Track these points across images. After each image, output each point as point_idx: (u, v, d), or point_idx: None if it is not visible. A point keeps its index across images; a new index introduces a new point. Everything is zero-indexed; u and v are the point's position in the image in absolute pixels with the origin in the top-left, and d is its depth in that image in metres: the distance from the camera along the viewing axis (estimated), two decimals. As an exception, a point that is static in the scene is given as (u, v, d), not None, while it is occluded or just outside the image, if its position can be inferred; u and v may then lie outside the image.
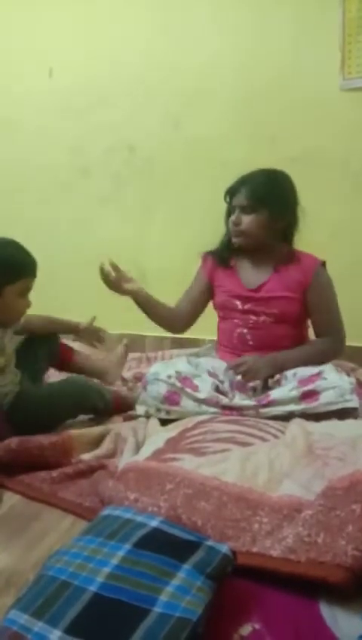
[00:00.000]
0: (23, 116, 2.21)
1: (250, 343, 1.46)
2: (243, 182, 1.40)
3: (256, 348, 1.45)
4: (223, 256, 1.51)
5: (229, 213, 1.45)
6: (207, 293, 1.55)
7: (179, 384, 1.34)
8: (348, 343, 1.88)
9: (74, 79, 2.13)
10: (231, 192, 1.42)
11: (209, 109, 1.97)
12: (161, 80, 2.01)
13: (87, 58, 2.11)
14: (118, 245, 2.16)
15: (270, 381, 1.40)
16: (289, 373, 1.36)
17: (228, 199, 1.44)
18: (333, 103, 1.82)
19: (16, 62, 2.20)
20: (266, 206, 1.37)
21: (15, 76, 2.21)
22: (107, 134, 2.11)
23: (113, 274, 1.40)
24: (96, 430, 1.28)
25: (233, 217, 1.39)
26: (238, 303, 1.47)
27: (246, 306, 1.46)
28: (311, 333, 1.56)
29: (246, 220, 1.38)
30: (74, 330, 1.55)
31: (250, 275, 1.48)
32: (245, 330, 1.46)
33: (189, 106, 1.99)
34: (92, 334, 1.59)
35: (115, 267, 1.40)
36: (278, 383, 1.38)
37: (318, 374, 1.29)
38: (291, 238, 1.48)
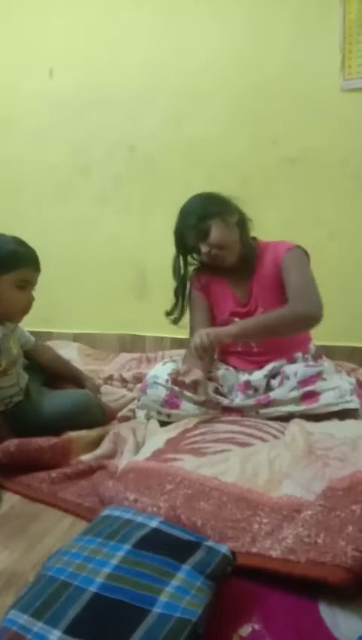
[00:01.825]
0: (23, 116, 2.21)
1: (255, 349, 1.45)
2: (184, 223, 1.39)
3: (261, 353, 1.44)
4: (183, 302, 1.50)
5: (179, 261, 1.45)
6: (210, 309, 1.52)
7: (177, 388, 1.34)
8: (349, 343, 1.90)
9: (74, 79, 2.13)
10: (180, 239, 1.41)
11: (209, 109, 1.97)
12: (161, 80, 2.01)
13: (88, 58, 2.11)
14: (117, 245, 2.16)
15: (272, 381, 1.40)
16: (290, 372, 1.35)
17: (180, 246, 1.43)
18: (334, 104, 1.82)
19: (17, 62, 2.20)
20: (215, 214, 1.37)
21: (15, 76, 2.21)
22: (107, 134, 2.11)
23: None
24: (95, 432, 1.27)
25: (203, 250, 1.38)
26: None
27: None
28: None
29: (212, 239, 1.37)
30: (78, 379, 1.54)
31: (238, 286, 1.47)
32: None
33: (189, 106, 1.99)
34: (93, 387, 1.57)
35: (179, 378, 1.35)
36: (280, 384, 1.37)
37: (318, 375, 1.29)
38: (248, 229, 1.46)
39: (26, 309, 1.28)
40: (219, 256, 1.40)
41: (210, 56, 1.94)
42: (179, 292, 1.50)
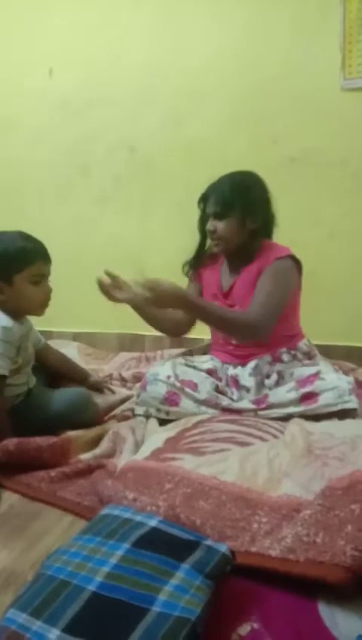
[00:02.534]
0: (23, 116, 2.21)
1: (233, 342, 1.46)
2: (212, 189, 1.41)
3: (239, 346, 1.45)
4: (199, 261, 1.53)
5: (203, 219, 1.46)
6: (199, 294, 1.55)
7: (178, 384, 1.34)
8: (348, 342, 1.90)
9: (74, 79, 2.12)
10: (203, 200, 1.43)
11: (209, 109, 1.96)
12: (161, 80, 2.01)
13: (87, 58, 2.11)
14: (118, 245, 2.16)
15: (266, 381, 1.40)
16: (286, 373, 1.37)
17: (201, 206, 1.44)
18: (334, 103, 1.82)
19: (17, 62, 2.20)
20: (235, 210, 1.37)
21: (15, 76, 2.20)
22: (107, 134, 2.11)
23: (108, 282, 1.30)
24: (94, 431, 1.27)
25: (208, 226, 1.41)
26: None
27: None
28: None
29: (220, 226, 1.39)
30: (83, 378, 1.54)
31: (226, 276, 1.49)
32: None
33: (189, 105, 1.98)
34: (98, 386, 1.57)
35: (111, 276, 1.30)
36: (277, 384, 1.38)
37: (316, 374, 1.29)
38: (270, 234, 1.47)
39: (45, 302, 1.28)
40: (214, 239, 1.41)
41: (210, 56, 1.94)
42: (200, 244, 1.51)
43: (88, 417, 1.33)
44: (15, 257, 1.22)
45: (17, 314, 1.28)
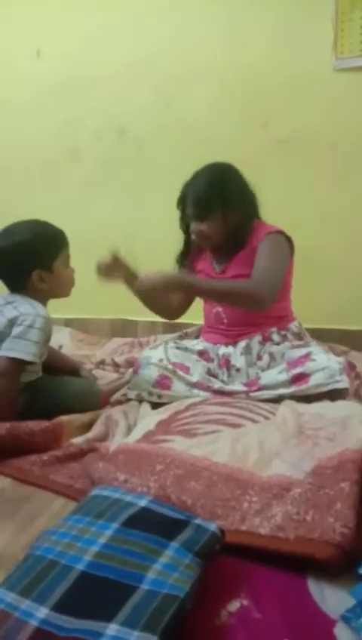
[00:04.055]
0: (10, 97, 2.17)
1: (225, 320, 1.47)
2: (188, 189, 1.40)
3: (230, 325, 1.46)
4: (186, 256, 1.55)
5: (183, 219, 1.46)
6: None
7: (171, 367, 1.34)
8: (341, 326, 1.90)
9: (62, 60, 2.08)
10: (182, 201, 1.42)
11: (199, 90, 1.93)
12: (150, 60, 1.97)
13: (75, 38, 2.06)
14: (108, 229, 2.13)
15: (259, 362, 1.40)
16: (277, 355, 1.37)
17: (180, 207, 1.44)
18: (325, 84, 1.79)
19: (4, 42, 2.16)
20: (214, 209, 1.36)
21: (2, 57, 2.16)
22: (96, 115, 2.08)
23: (107, 262, 1.34)
24: (87, 416, 1.27)
25: (192, 228, 1.41)
26: None
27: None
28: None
29: (203, 227, 1.39)
30: (74, 370, 1.53)
31: (218, 259, 1.49)
32: (220, 309, 1.47)
33: (179, 86, 1.95)
34: (90, 375, 1.56)
35: (114, 256, 1.35)
36: (268, 366, 1.38)
37: (307, 355, 1.29)
38: (257, 214, 1.46)
39: (74, 283, 1.35)
40: (201, 239, 1.42)
41: (199, 35, 1.90)
42: (185, 242, 1.52)
43: (92, 405, 1.33)
44: (54, 243, 1.27)
45: (46, 302, 1.30)
